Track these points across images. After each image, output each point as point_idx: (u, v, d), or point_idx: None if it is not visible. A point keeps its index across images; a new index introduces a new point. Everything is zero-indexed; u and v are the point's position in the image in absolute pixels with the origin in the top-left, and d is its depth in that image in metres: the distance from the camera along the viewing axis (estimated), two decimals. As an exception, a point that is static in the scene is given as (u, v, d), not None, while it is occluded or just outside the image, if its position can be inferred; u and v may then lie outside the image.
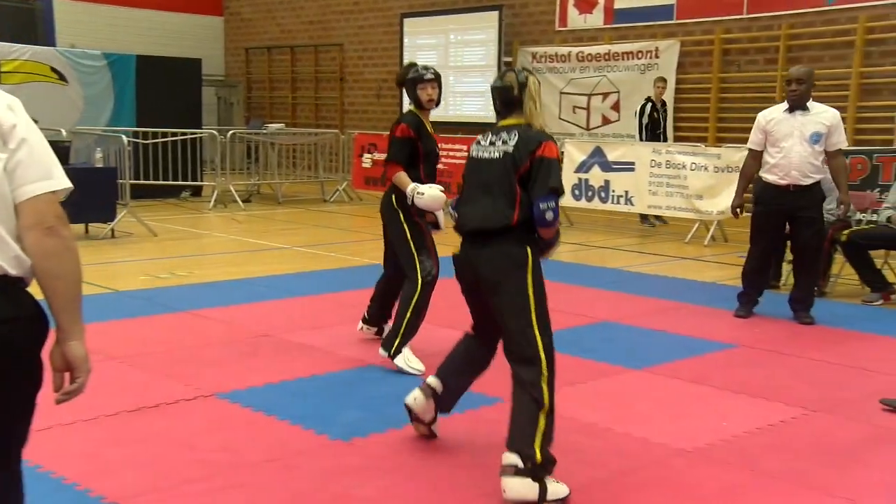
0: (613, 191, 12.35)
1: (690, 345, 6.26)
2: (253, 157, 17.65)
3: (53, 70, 14.35)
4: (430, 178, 5.65)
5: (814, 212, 6.91)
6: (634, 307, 7.49)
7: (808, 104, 6.83)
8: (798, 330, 6.79)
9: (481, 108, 16.50)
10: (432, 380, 4.21)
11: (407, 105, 5.88)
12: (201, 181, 15.44)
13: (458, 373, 4.25)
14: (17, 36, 15.39)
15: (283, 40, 21.16)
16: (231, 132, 15.86)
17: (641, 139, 12.70)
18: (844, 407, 5.01)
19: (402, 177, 5.46)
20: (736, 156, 11.15)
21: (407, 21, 18.00)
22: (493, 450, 4.22)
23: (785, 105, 6.93)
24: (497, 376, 4.54)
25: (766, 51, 13.46)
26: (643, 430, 4.54)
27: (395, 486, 3.83)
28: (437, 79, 5.61)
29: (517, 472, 3.54)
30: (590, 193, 12.53)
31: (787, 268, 8.46)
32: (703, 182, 11.39)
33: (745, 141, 12.09)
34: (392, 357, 5.47)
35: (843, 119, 12.38)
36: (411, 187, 5.42)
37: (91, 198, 10.40)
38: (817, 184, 6.87)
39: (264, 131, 16.71)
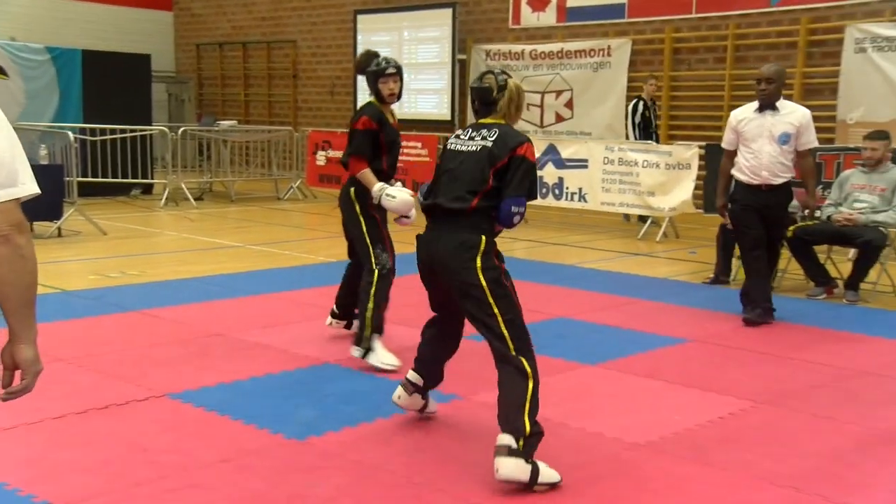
0: (567, 188, 12.41)
1: (643, 340, 6.31)
2: (205, 154, 17.49)
3: None
4: (393, 168, 5.66)
5: (782, 211, 6.93)
6: (588, 303, 7.54)
7: (777, 104, 6.77)
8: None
9: (436, 106, 16.55)
10: (412, 374, 4.38)
11: (367, 97, 5.79)
12: (152, 179, 15.27)
13: (434, 359, 4.39)
14: None
15: (235, 36, 21.00)
16: (182, 129, 15.69)
17: (635, 138, 12.47)
18: (790, 399, 5.09)
19: (367, 175, 5.39)
20: (686, 153, 11.30)
21: (361, 18, 17.95)
22: (450, 446, 4.25)
23: (756, 104, 6.88)
24: (450, 373, 4.57)
25: (714, 50, 13.64)
26: (597, 425, 4.58)
27: (351, 485, 3.82)
28: (399, 72, 5.52)
29: (510, 452, 3.62)
30: (544, 190, 12.58)
31: (736, 263, 8.58)
32: (654, 179, 11.49)
33: (695, 139, 12.39)
34: (364, 356, 5.43)
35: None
36: (378, 187, 5.34)
37: (37, 196, 10.23)
38: (787, 182, 6.84)
39: (216, 128, 16.61)
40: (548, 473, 3.71)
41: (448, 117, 16.17)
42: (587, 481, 3.92)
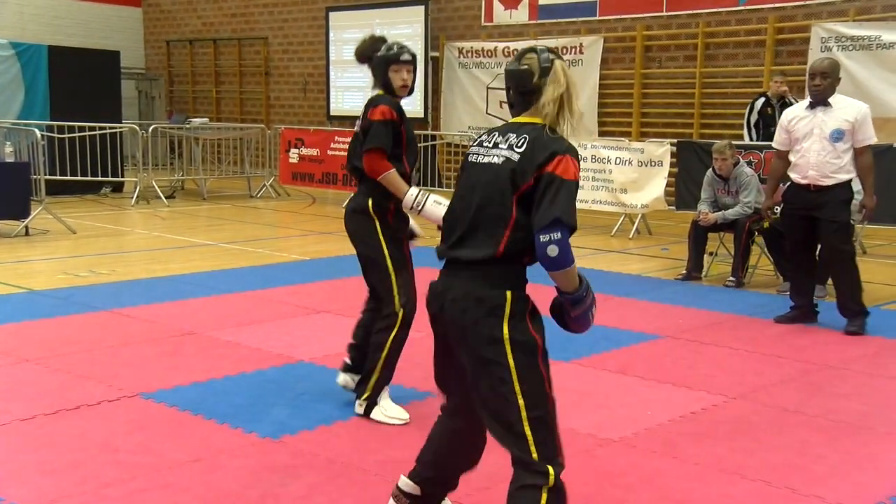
0: (540, 185, 12.41)
1: (616, 336, 6.33)
2: (176, 152, 17.36)
3: None
4: (412, 168, 4.65)
5: (836, 211, 6.37)
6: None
7: (831, 99, 6.38)
8: (718, 319, 6.91)
9: (408, 103, 16.34)
10: (404, 482, 3.23)
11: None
12: (122, 177, 15.16)
13: (442, 465, 3.22)
14: None
15: (206, 33, 20.88)
16: (153, 127, 15.62)
17: (750, 139, 11.31)
18: (760, 393, 5.14)
19: (394, 177, 4.36)
20: (658, 150, 11.36)
21: (332, 14, 17.93)
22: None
23: (808, 101, 6.53)
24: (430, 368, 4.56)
25: (685, 48, 13.73)
26: (571, 421, 4.57)
27: (324, 484, 3.81)
28: (414, 61, 4.58)
29: None
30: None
31: (708, 259, 8.65)
32: (626, 176, 11.55)
33: (667, 136, 12.47)
34: (366, 413, 4.50)
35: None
36: (415, 191, 4.38)
37: (2, 194, 10.15)
38: (843, 183, 6.38)
39: (187, 126, 16.47)
40: None
41: (421, 114, 16.17)
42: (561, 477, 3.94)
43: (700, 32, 13.43)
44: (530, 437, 2.76)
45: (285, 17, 19.27)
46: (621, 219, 11.71)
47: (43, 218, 10.96)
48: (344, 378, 4.75)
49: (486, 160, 2.91)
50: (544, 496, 2.74)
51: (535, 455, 2.76)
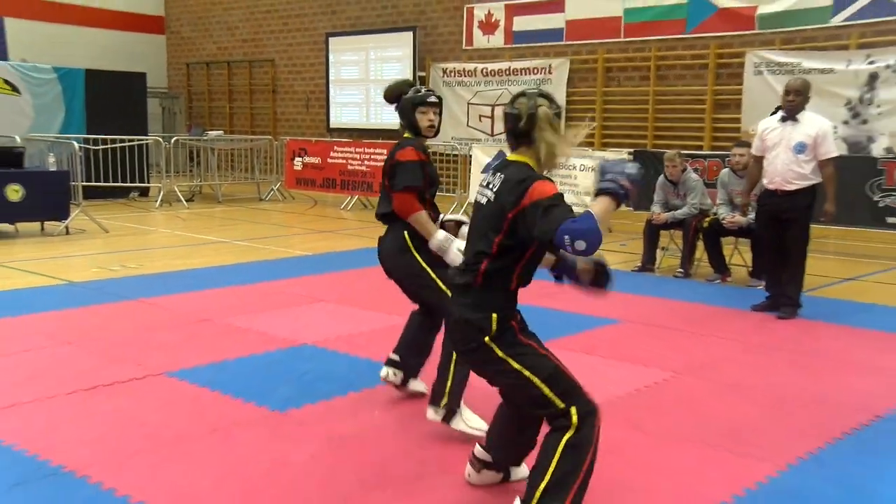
0: (513, 189, 12.43)
1: (580, 321, 6.35)
2: (195, 160, 17.30)
3: (6, 82, 14.00)
4: (432, 206, 4.18)
5: (797, 214, 6.38)
6: (532, 290, 7.52)
7: (799, 115, 6.37)
8: (669, 306, 6.95)
9: (397, 117, 16.47)
10: (479, 451, 3.30)
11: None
12: (148, 183, 15.13)
13: (506, 444, 3.27)
14: None
15: (220, 56, 20.79)
16: (174, 139, 15.54)
17: None
18: (705, 370, 5.17)
19: (424, 219, 4.00)
20: (617, 158, 11.37)
21: (332, 39, 17.86)
22: (418, 417, 4.23)
23: (780, 114, 6.53)
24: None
25: (640, 69, 13.77)
26: (540, 396, 4.60)
27: (325, 451, 3.81)
28: (439, 103, 4.23)
29: None
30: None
31: (660, 254, 8.68)
32: (590, 181, 11.55)
33: (626, 146, 12.50)
34: (446, 420, 3.92)
35: (702, 129, 12.87)
36: (443, 236, 4.00)
37: (46, 198, 10.28)
38: (804, 189, 6.36)
39: (205, 138, 16.46)
40: None
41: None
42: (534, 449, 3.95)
43: (653, 56, 13.46)
44: (550, 394, 2.80)
45: (290, 42, 19.20)
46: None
47: (80, 219, 10.95)
48: (385, 371, 4.43)
49: (481, 199, 2.95)
50: (566, 436, 2.75)
51: (560, 406, 2.79)
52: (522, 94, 2.94)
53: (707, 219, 8.06)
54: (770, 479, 3.59)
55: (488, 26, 15.48)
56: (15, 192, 10.03)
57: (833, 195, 6.49)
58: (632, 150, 11.57)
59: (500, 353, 2.84)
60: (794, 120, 6.39)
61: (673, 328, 6.22)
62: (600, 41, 14.08)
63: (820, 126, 6.36)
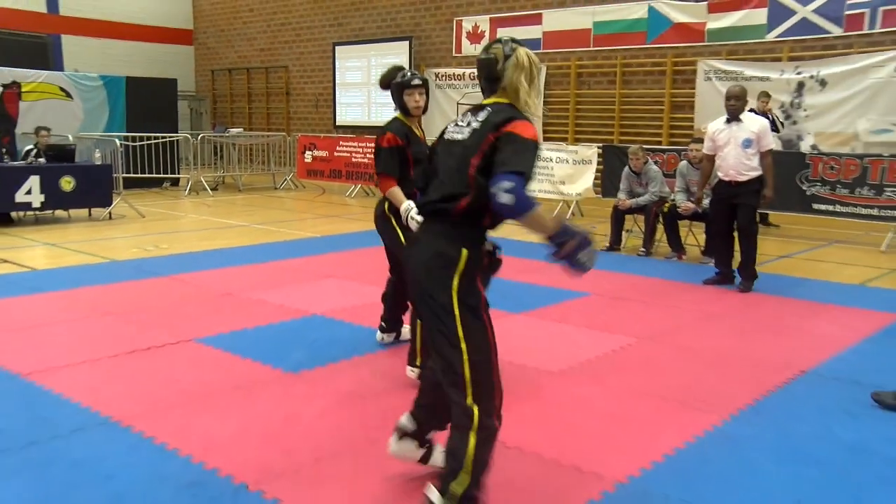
0: (497, 179, 12.41)
1: (555, 294, 6.37)
2: (219, 154, 17.23)
3: (61, 89, 14.11)
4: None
5: (748, 199, 6.45)
6: (514, 267, 7.56)
7: (742, 116, 6.45)
8: (633, 281, 6.96)
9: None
10: (404, 419, 2.95)
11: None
12: (178, 174, 15.06)
13: (429, 409, 2.89)
14: (33, 63, 15.68)
15: (241, 63, 20.64)
16: (201, 136, 15.44)
17: None
18: (662, 335, 5.20)
19: (396, 193, 4.10)
20: (588, 152, 11.35)
21: (338, 48, 17.75)
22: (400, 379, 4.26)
23: (725, 117, 6.56)
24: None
25: (607, 75, 13.73)
26: (520, 359, 4.62)
27: (333, 407, 3.84)
28: (424, 84, 4.18)
29: None
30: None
31: (625, 235, 8.71)
32: (565, 171, 11.55)
33: (595, 140, 12.50)
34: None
35: (661, 126, 12.89)
36: (406, 206, 4.07)
37: (92, 188, 10.33)
38: (752, 179, 6.43)
39: (227, 134, 16.39)
40: None
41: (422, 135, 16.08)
42: (514, 401, 3.96)
43: (618, 63, 13.43)
44: (468, 378, 2.42)
45: (301, 51, 19.07)
46: (560, 204, 11.74)
47: (121, 206, 10.95)
48: (380, 335, 4.75)
49: (458, 137, 2.55)
50: (472, 439, 2.42)
51: (469, 398, 2.42)
52: (498, 40, 2.62)
53: (666, 205, 8.09)
54: (715, 428, 3.64)
55: (475, 36, 15.40)
56: (68, 183, 10.07)
57: (771, 183, 6.55)
58: (600, 144, 11.55)
59: (454, 304, 2.43)
60: (738, 120, 6.46)
61: (636, 300, 6.26)
62: (573, 50, 14.03)
63: (760, 123, 6.49)
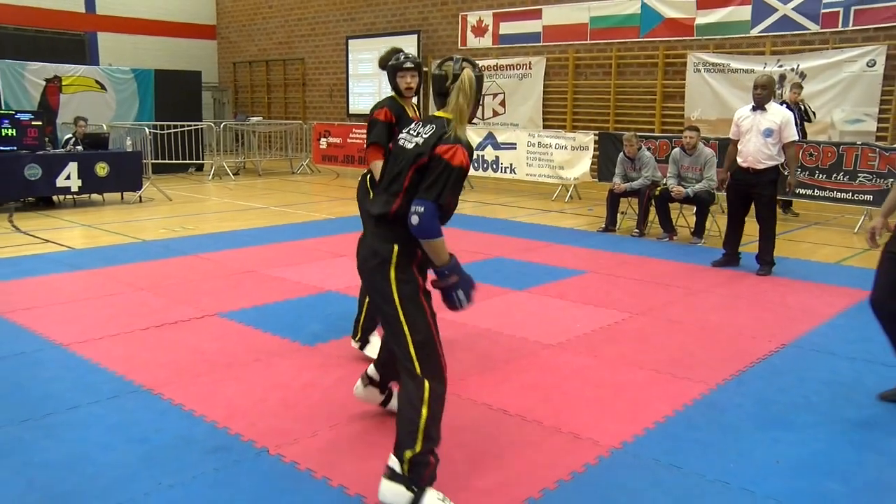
0: (501, 163, 12.40)
1: (554, 272, 6.36)
2: (240, 141, 17.21)
3: (97, 82, 14.20)
4: None
5: (766, 189, 6.22)
6: (516, 246, 7.59)
7: (767, 105, 6.20)
8: (626, 259, 6.94)
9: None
10: (370, 370, 3.24)
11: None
12: (203, 160, 15.03)
13: (388, 362, 3.10)
14: (73, 59, 16.14)
15: (260, 56, 20.52)
16: (223, 124, 15.42)
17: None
18: (653, 311, 5.20)
19: (376, 167, 3.83)
20: (585, 138, 11.31)
21: (351, 41, 17.63)
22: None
23: (752, 104, 6.30)
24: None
25: (603, 66, 13.59)
26: (522, 332, 4.64)
27: (347, 376, 3.85)
28: (416, 67, 4.07)
29: (392, 475, 2.54)
30: (485, 165, 12.57)
31: (620, 217, 8.67)
32: (563, 157, 11.52)
33: (591, 128, 12.42)
34: (361, 347, 4.13)
35: (653, 115, 12.80)
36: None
37: (124, 173, 10.43)
38: (771, 168, 6.21)
39: (248, 123, 16.35)
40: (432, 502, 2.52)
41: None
42: (516, 372, 4.00)
43: (613, 55, 13.29)
44: (414, 356, 2.51)
45: (317, 44, 18.94)
46: (559, 188, 11.71)
47: (150, 190, 10.98)
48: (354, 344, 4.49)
49: (406, 145, 2.60)
50: (424, 411, 2.49)
51: (418, 370, 2.51)
52: (450, 58, 2.66)
53: (658, 188, 8.04)
54: (703, 396, 3.64)
55: (479, 30, 15.25)
56: (102, 169, 10.12)
57: (793, 171, 6.35)
58: (597, 131, 11.48)
59: (394, 294, 2.52)
60: (763, 110, 6.21)
61: (629, 277, 6.24)
62: (571, 43, 13.89)
63: (783, 115, 6.22)
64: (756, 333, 4.68)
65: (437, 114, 2.64)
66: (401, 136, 2.69)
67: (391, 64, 4.09)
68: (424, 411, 2.51)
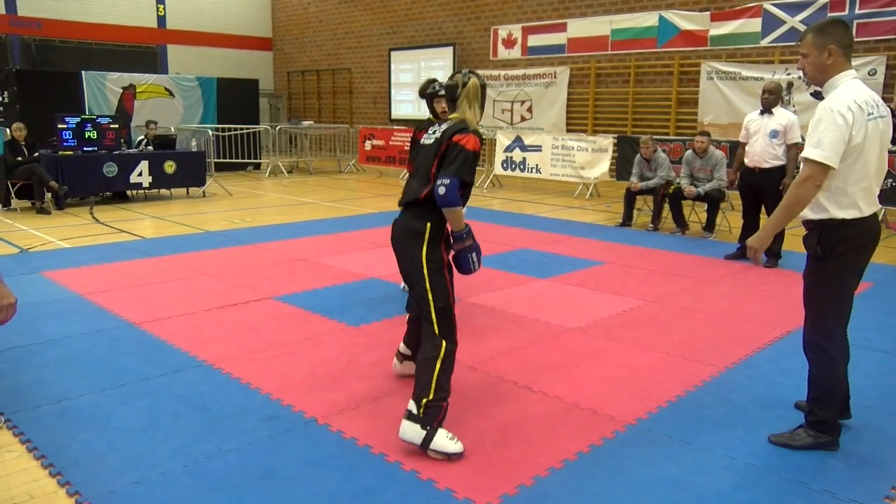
0: (528, 164, 12.31)
1: (575, 262, 6.32)
2: (293, 143, 17.35)
3: (166, 89, 14.36)
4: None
5: (772, 187, 6.13)
6: (540, 239, 7.54)
7: (774, 109, 6.14)
8: (641, 252, 6.85)
9: (442, 111, 16.29)
10: (402, 347, 3.46)
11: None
12: (260, 159, 15.18)
13: (415, 340, 3.32)
14: (145, 69, 16.61)
15: (312, 66, 20.65)
16: (279, 127, 15.58)
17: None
18: (666, 299, 5.12)
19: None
20: (605, 141, 11.17)
21: (393, 53, 17.62)
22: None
23: (760, 109, 6.26)
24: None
25: (622, 75, 13.38)
26: (545, 317, 4.62)
27: (388, 355, 3.86)
28: (445, 94, 4.57)
29: (409, 416, 2.74)
30: (513, 166, 12.48)
31: (636, 213, 8.54)
32: (584, 158, 11.39)
33: (611, 132, 12.25)
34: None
35: (668, 120, 12.57)
36: None
37: (190, 171, 10.56)
38: (774, 168, 6.13)
39: (300, 126, 16.46)
40: (443, 444, 2.71)
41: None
42: (539, 352, 3.98)
43: (632, 65, 13.06)
44: (434, 319, 2.74)
45: (362, 55, 18.99)
46: (580, 186, 11.59)
47: (213, 186, 11.16)
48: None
49: (426, 142, 2.86)
50: (437, 366, 2.72)
51: (436, 330, 2.74)
52: (459, 71, 2.95)
53: (672, 187, 7.89)
54: (712, 378, 3.58)
55: (509, 43, 15.12)
56: (170, 167, 10.28)
57: (791, 171, 6.17)
58: (616, 135, 11.32)
59: (424, 266, 2.75)
60: (770, 113, 6.16)
61: (644, 268, 6.16)
62: (593, 53, 13.69)
63: (789, 118, 6.15)
64: (762, 321, 4.58)
65: (451, 117, 2.88)
66: (423, 136, 2.94)
67: (428, 92, 4.45)
68: (438, 365, 2.72)
